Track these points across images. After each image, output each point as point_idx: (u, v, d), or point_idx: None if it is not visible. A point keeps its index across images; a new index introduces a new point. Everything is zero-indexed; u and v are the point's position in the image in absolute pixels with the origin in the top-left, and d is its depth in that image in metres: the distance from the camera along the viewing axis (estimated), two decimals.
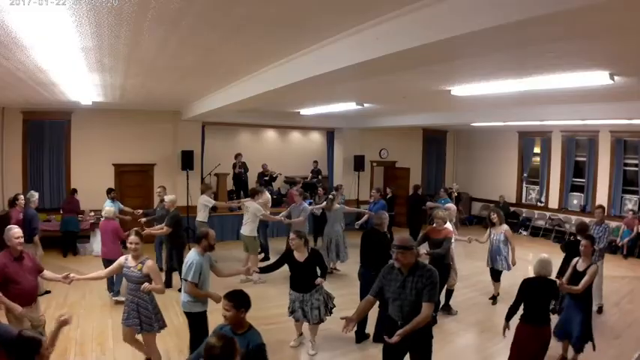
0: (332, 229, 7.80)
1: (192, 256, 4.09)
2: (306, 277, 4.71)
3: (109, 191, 8.01)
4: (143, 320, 4.05)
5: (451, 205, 6.58)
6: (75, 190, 8.86)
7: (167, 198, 7.15)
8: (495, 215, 6.41)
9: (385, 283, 3.35)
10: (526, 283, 3.95)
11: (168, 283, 6.73)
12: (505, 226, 6.37)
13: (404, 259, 3.21)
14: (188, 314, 4.13)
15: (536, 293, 3.86)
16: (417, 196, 10.24)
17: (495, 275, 6.51)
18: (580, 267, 4.53)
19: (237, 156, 11.19)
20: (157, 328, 4.14)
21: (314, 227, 9.74)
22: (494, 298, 6.59)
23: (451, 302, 6.14)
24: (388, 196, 10.04)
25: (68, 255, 8.54)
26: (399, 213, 11.71)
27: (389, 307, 3.36)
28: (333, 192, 8.79)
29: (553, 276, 4.08)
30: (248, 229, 7.37)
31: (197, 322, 4.11)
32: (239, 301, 2.77)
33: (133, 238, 4.11)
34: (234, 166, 11.15)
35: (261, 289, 6.83)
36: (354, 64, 3.25)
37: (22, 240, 3.90)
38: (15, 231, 3.88)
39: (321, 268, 4.80)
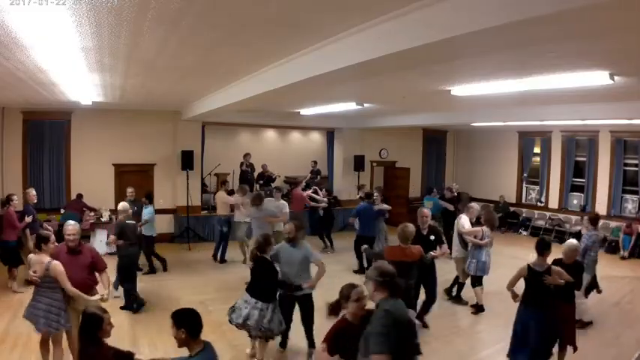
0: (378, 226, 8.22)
1: None
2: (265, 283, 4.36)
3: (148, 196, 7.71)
4: (52, 319, 3.93)
5: (474, 205, 6.65)
6: (81, 195, 8.90)
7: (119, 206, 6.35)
8: (484, 214, 6.39)
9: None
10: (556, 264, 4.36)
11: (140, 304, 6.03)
12: (484, 228, 6.16)
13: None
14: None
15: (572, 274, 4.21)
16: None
17: (474, 280, 6.17)
18: (539, 267, 4.18)
19: (246, 155, 11.26)
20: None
21: (319, 227, 9.75)
22: (475, 307, 6.19)
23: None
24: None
25: None
26: (398, 213, 11.71)
27: None
28: (376, 193, 8.74)
29: None
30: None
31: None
32: (176, 319, 2.59)
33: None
34: (242, 164, 11.21)
35: None
36: (354, 64, 3.25)
37: (74, 237, 4.17)
38: (68, 228, 4.20)
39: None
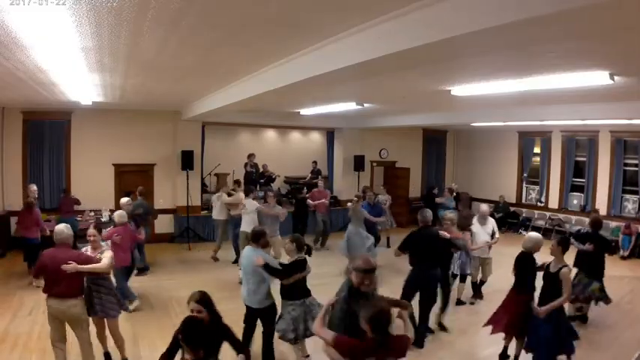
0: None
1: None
2: (303, 281, 4.44)
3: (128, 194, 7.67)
4: (107, 306, 4.25)
5: (484, 205, 6.72)
6: (66, 190, 8.90)
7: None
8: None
9: None
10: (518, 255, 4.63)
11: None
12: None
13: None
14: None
15: (518, 265, 4.57)
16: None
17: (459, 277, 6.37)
18: (552, 268, 4.27)
19: (250, 156, 11.30)
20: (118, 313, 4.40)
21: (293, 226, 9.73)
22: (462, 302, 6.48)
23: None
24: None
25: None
26: (398, 213, 11.73)
27: None
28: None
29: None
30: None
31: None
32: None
33: (90, 231, 4.51)
34: (246, 165, 11.24)
35: None
36: (354, 64, 3.25)
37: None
38: None
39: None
